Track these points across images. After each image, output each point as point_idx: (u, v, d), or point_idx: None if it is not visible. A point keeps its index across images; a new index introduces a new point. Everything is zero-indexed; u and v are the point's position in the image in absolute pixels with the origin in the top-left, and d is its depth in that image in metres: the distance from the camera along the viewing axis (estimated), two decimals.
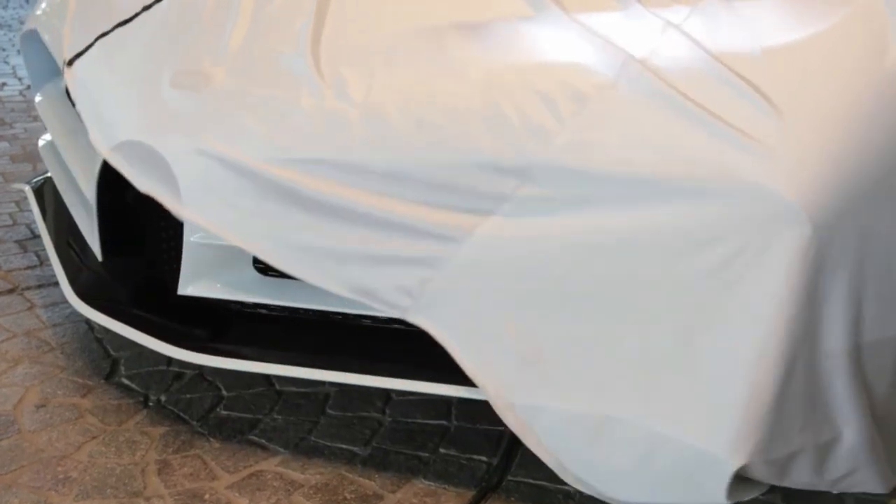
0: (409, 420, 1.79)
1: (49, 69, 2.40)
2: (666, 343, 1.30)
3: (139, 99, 1.67)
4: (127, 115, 1.66)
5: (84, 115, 1.75)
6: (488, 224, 1.34)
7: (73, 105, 2.27)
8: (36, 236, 2.56)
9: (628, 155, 1.28)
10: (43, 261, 2.42)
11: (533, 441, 1.40)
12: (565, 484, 1.61)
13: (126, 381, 1.91)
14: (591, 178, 1.29)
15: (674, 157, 1.27)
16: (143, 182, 1.55)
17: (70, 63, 1.91)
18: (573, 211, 1.30)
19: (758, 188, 1.22)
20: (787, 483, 1.36)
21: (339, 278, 1.43)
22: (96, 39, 1.91)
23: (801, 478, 1.35)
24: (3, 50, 4.97)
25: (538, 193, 1.32)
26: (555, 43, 1.47)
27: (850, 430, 1.30)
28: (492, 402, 1.41)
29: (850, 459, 1.33)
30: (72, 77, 1.88)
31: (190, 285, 1.66)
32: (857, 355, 1.28)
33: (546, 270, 1.33)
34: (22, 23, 5.58)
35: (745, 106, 1.28)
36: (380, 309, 1.44)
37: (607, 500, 1.43)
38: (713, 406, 1.29)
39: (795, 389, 1.26)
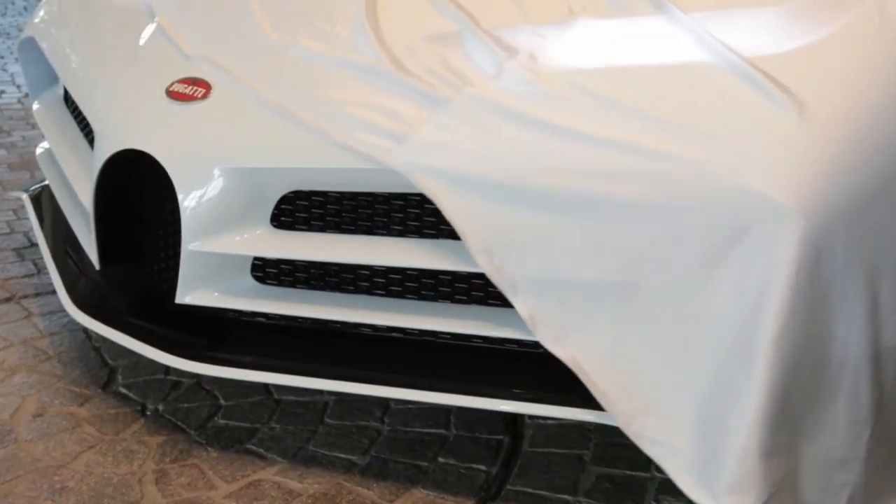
0: (408, 429, 1.78)
1: (47, 77, 2.40)
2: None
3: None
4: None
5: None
6: (474, 88, 1.47)
7: (71, 112, 2.27)
8: (33, 244, 2.56)
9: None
10: (40, 269, 2.42)
11: (506, 288, 1.40)
12: (564, 493, 1.61)
13: (123, 391, 1.90)
14: None
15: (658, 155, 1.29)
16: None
17: None
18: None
19: (751, 192, 1.22)
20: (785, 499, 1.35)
21: (343, 133, 1.52)
22: None
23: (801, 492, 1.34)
24: (2, 58, 4.97)
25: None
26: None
27: (859, 443, 1.29)
28: (469, 247, 1.40)
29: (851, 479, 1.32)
30: None
31: (188, 294, 1.65)
32: (875, 361, 1.27)
33: (524, 144, 1.39)
34: (20, 31, 5.57)
35: (738, 108, 1.30)
36: (367, 155, 1.47)
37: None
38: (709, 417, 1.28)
39: (798, 398, 1.25)
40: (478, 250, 1.39)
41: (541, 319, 1.39)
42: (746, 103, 1.30)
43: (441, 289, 1.59)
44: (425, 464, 1.69)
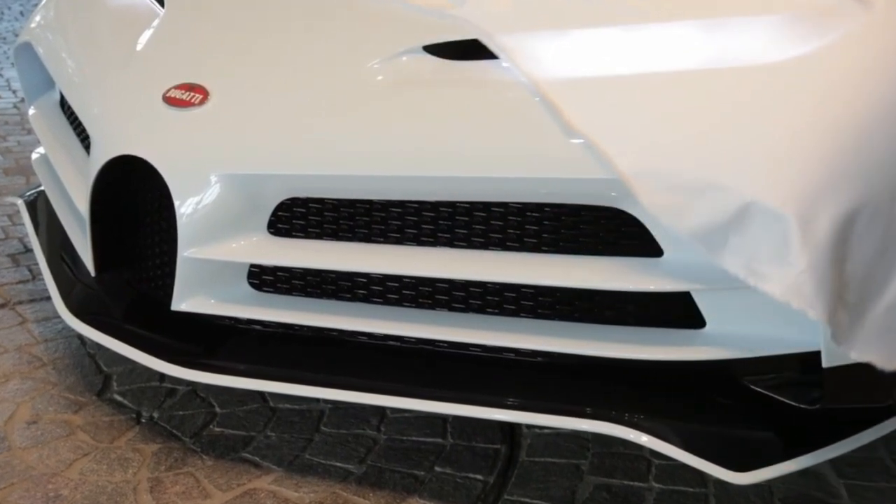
0: (405, 438, 1.78)
1: (43, 82, 2.39)
2: None
3: None
4: None
5: None
6: None
7: (67, 118, 2.26)
8: (28, 250, 2.55)
9: None
10: (35, 275, 2.40)
11: (543, 86, 1.43)
12: (562, 503, 1.61)
13: (118, 398, 1.89)
14: None
15: None
16: None
17: None
18: None
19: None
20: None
21: None
22: None
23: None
24: None
25: None
26: None
27: None
28: (509, 54, 1.48)
29: None
30: None
31: (183, 301, 1.64)
32: None
33: None
34: (16, 35, 5.57)
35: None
36: (430, 10, 1.65)
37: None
38: None
39: None
40: (521, 68, 1.46)
41: (570, 110, 1.40)
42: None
43: (438, 297, 1.58)
44: (422, 473, 1.68)
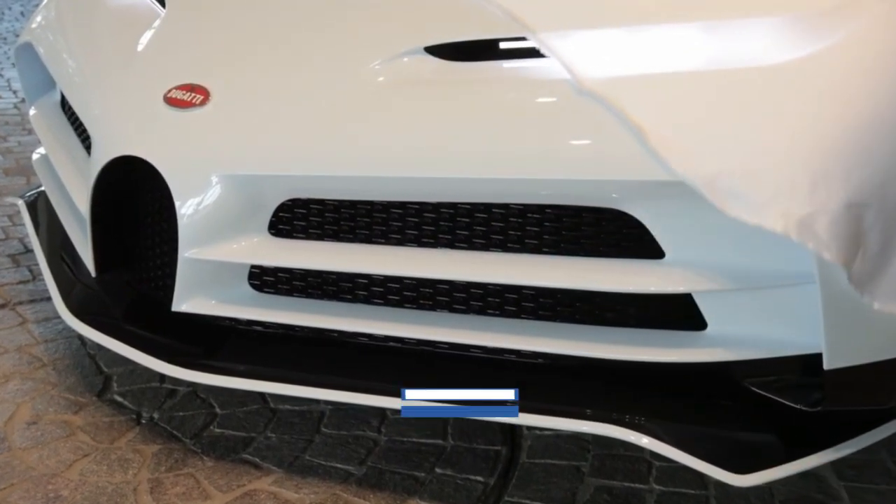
0: (405, 439, 1.77)
1: (44, 82, 2.39)
2: None
3: None
4: None
5: None
6: None
7: (68, 118, 2.26)
8: (29, 250, 2.54)
9: None
10: (36, 275, 2.40)
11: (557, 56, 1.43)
12: None
13: (118, 399, 1.89)
14: None
15: None
16: None
17: None
18: None
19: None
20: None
21: None
22: None
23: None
24: None
25: None
26: None
27: None
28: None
29: None
30: None
31: (184, 302, 1.64)
32: None
33: None
34: (17, 36, 5.57)
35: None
36: None
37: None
38: None
39: None
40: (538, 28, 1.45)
41: (591, 80, 1.38)
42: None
43: (439, 298, 1.58)
44: (422, 474, 1.68)
